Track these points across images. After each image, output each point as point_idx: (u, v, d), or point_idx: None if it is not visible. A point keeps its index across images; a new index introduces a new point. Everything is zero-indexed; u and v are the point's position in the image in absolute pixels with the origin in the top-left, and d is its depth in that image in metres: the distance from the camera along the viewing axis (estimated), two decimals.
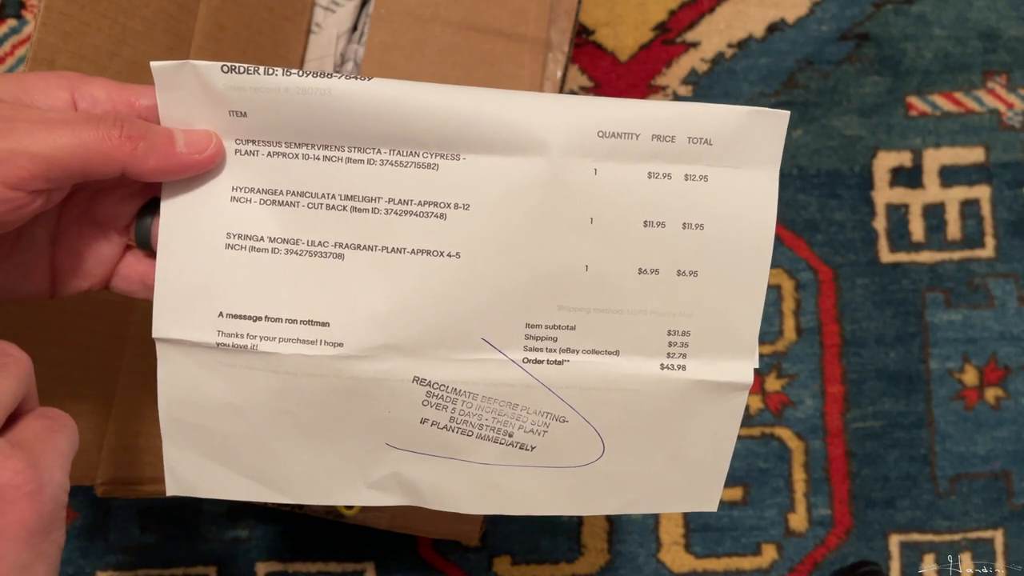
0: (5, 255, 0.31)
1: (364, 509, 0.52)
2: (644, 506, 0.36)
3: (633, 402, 0.34)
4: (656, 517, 0.63)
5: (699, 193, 0.32)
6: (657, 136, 0.31)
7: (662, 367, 0.33)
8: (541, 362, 0.33)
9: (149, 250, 0.33)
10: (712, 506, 0.36)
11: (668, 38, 0.67)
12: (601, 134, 0.31)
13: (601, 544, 0.63)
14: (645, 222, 0.32)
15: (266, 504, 0.52)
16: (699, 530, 0.63)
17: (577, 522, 0.63)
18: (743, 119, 0.31)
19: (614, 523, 0.63)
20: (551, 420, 0.34)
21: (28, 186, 0.27)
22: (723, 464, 0.35)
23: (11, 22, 0.65)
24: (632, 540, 0.63)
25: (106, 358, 0.46)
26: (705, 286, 0.33)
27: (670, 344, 0.33)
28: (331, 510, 0.52)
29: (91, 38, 0.38)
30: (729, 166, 0.32)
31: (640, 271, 0.32)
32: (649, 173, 0.31)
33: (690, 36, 0.67)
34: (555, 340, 0.33)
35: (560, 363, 0.33)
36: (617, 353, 0.33)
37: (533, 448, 0.34)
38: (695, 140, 0.31)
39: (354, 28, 0.56)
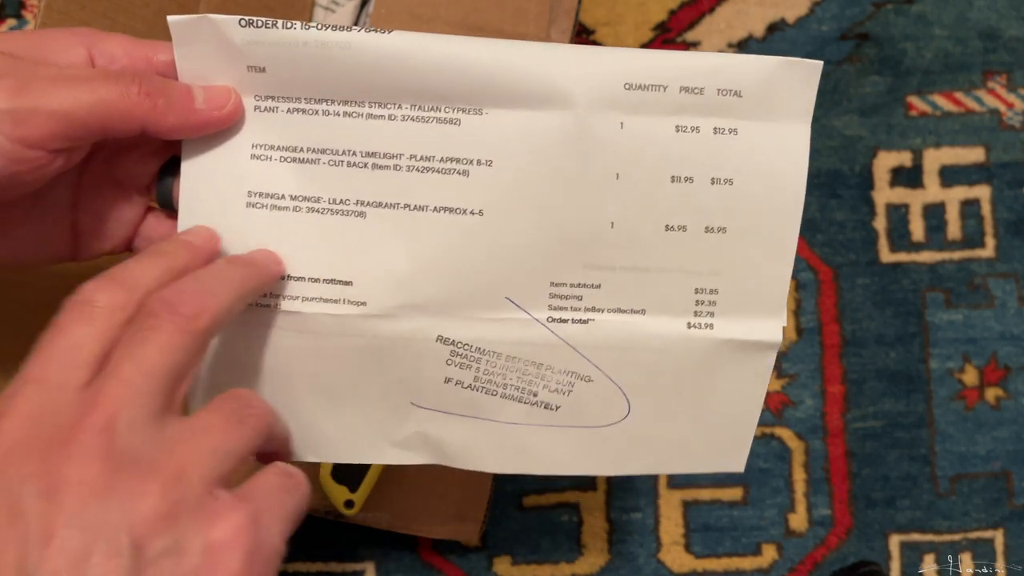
0: (26, 218, 0.31)
1: (364, 508, 0.52)
2: (670, 467, 0.35)
3: (659, 362, 0.33)
4: (656, 517, 0.63)
5: (728, 147, 0.31)
6: (685, 88, 0.30)
7: (689, 326, 0.33)
8: (566, 321, 0.32)
9: (171, 210, 0.32)
10: (739, 467, 0.35)
11: (668, 38, 0.67)
12: (627, 86, 0.30)
13: (601, 544, 0.63)
14: (672, 177, 0.31)
15: None
16: (699, 530, 0.63)
17: (577, 522, 0.63)
18: (774, 70, 0.30)
19: (614, 523, 0.63)
20: (576, 379, 0.33)
21: (48, 144, 0.27)
22: (750, 425, 0.34)
23: (11, 22, 0.65)
24: (632, 540, 0.63)
25: None
26: (734, 243, 0.32)
27: (697, 303, 0.33)
28: (331, 510, 0.52)
29: None
30: (760, 119, 0.31)
31: (667, 228, 0.32)
32: (677, 127, 0.31)
33: (690, 36, 0.67)
34: (580, 299, 0.32)
35: (585, 322, 0.33)
36: (643, 312, 0.33)
37: (558, 408, 0.34)
38: (724, 92, 0.30)
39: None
